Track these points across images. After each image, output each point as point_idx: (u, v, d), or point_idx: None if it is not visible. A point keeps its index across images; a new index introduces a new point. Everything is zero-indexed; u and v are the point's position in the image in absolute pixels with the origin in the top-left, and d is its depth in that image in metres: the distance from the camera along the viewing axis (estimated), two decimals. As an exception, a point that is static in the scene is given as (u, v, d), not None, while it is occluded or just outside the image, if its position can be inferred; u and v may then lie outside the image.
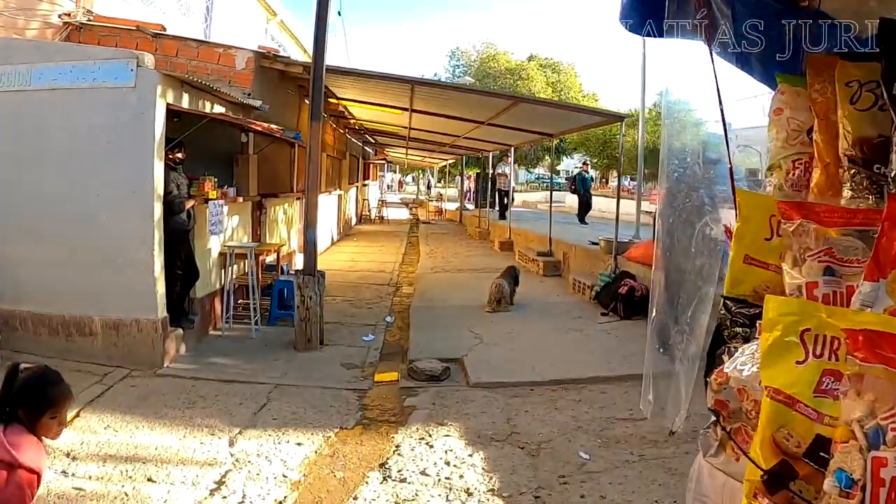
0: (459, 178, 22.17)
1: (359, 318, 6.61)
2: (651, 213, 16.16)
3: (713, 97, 1.60)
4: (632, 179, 35.82)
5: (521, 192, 28.63)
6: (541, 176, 42.66)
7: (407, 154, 20.92)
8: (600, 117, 7.00)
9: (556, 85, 28.78)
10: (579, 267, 8.54)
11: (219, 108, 6.02)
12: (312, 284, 5.19)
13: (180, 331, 5.17)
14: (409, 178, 60.26)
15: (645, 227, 12.48)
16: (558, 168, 48.87)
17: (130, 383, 4.54)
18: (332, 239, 13.04)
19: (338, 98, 9.29)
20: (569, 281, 8.24)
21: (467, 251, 12.30)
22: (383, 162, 25.89)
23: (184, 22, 11.89)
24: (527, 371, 4.76)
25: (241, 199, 6.33)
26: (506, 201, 14.82)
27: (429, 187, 35.81)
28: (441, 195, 27.59)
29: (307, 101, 9.75)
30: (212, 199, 5.45)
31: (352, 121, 12.80)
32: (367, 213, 20.12)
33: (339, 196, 14.42)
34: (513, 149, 12.69)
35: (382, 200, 20.52)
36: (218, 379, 4.59)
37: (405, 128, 11.95)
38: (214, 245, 5.94)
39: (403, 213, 25.07)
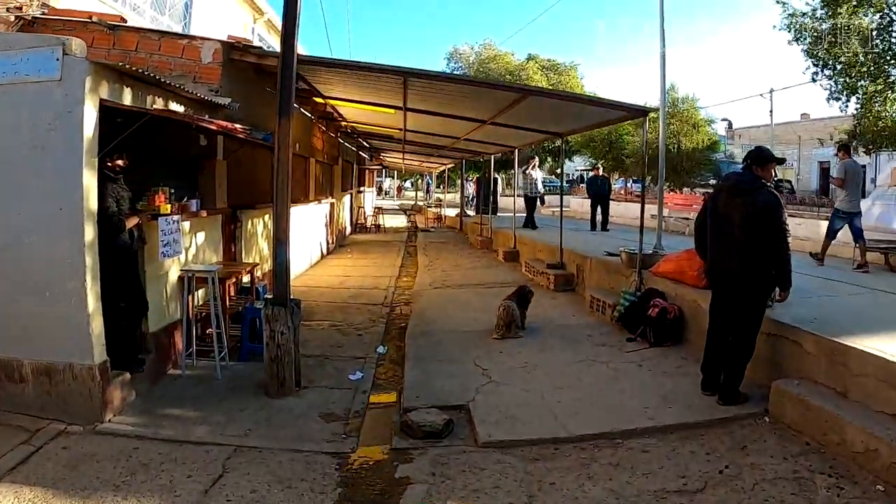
0: (460, 182, 21.32)
1: (347, 348, 5.74)
2: (665, 217, 15.33)
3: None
4: (635, 182, 34.99)
5: (519, 195, 27.94)
6: (544, 179, 41.91)
7: (404, 158, 20.09)
8: (621, 111, 6.14)
9: (558, 86, 28.00)
10: (596, 282, 7.67)
11: (176, 106, 5.19)
12: (284, 316, 4.33)
13: (127, 375, 4.33)
14: (408, 184, 59.50)
15: (671, 235, 11.67)
16: (557, 171, 48.26)
17: (63, 443, 3.71)
18: (324, 252, 12.19)
19: (324, 97, 8.46)
20: (585, 298, 7.36)
21: (469, 262, 11.43)
22: (379, 167, 25.06)
23: (160, 21, 11.12)
24: (548, 421, 3.89)
25: (205, 213, 5.47)
26: (536, 207, 13.42)
27: (428, 192, 34.96)
28: (441, 200, 26.78)
29: (290, 102, 8.97)
30: (164, 215, 4.59)
31: (343, 123, 11.97)
32: (363, 222, 19.28)
33: (332, 204, 13.57)
34: (516, 151, 11.85)
35: (378, 208, 19.67)
36: (167, 439, 3.74)
37: (400, 130, 11.11)
38: (173, 268, 5.08)
39: (402, 220, 24.24)
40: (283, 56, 4.31)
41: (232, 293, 6.10)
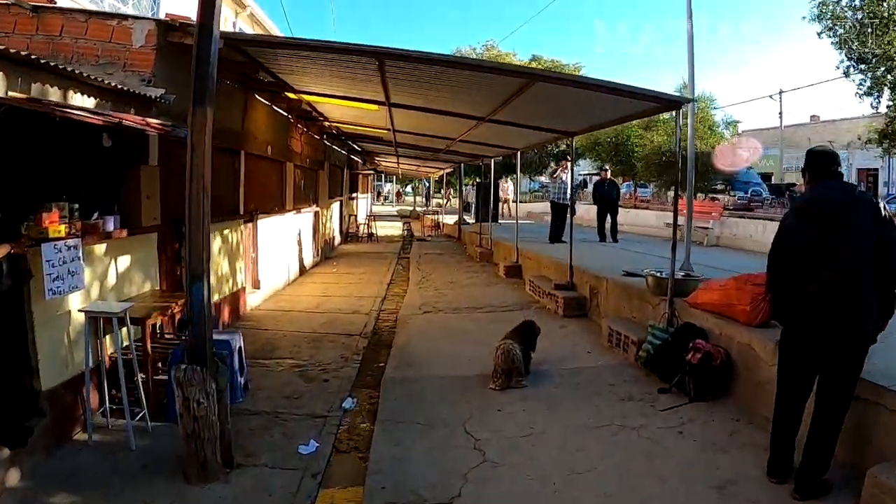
0: (458, 187, 20.19)
1: (306, 400, 4.60)
2: (679, 226, 14.18)
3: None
4: (639, 187, 33.80)
5: (522, 202, 26.58)
6: (546, 185, 40.76)
7: (398, 163, 18.99)
8: (648, 102, 4.99)
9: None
10: (614, 308, 6.53)
11: (78, 98, 4.08)
12: (202, 380, 3.19)
13: (6, 451, 3.23)
14: (408, 189, 58.46)
15: (704, 251, 10.63)
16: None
17: None
18: (305, 266, 11.06)
19: (296, 91, 7.35)
20: (601, 329, 6.22)
21: (466, 278, 10.30)
22: (372, 172, 23.95)
23: (124, 12, 10.12)
24: (565, 536, 2.75)
25: (124, 233, 4.34)
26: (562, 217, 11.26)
27: (427, 198, 33.74)
28: (440, 206, 25.67)
29: (257, 95, 7.85)
30: (52, 240, 3.47)
31: (326, 124, 10.86)
32: (355, 231, 18.17)
33: (316, 213, 12.46)
34: (518, 154, 10.72)
35: (371, 216, 18.54)
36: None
37: (388, 130, 10.01)
38: (77, 306, 3.96)
39: (399, 227, 23.14)
40: (200, 20, 3.18)
41: (167, 331, 4.98)
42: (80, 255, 3.82)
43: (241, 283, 7.32)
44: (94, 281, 4.20)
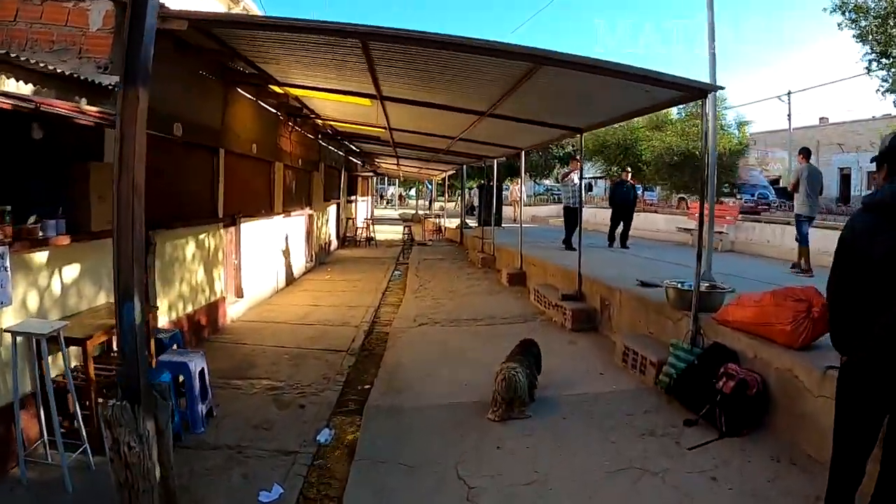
0: (461, 189, 19.64)
1: (277, 431, 4.04)
2: (691, 230, 13.53)
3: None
4: (647, 190, 33.05)
5: (527, 205, 25.86)
6: (550, 188, 40.13)
7: (398, 164, 18.46)
8: (672, 91, 4.41)
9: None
10: (629, 322, 5.94)
11: (12, 85, 3.55)
12: (134, 420, 2.63)
13: None
14: (411, 192, 57.98)
15: (720, 257, 10.14)
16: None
17: None
18: (295, 273, 10.52)
19: (281, 84, 6.82)
20: (614, 345, 5.63)
21: (466, 286, 9.72)
22: (372, 174, 23.43)
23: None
24: None
25: (66, 240, 3.80)
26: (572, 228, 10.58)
27: (431, 202, 33.04)
28: (443, 209, 25.12)
29: (240, 90, 7.31)
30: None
31: (319, 122, 10.34)
32: (354, 235, 17.63)
33: (309, 217, 11.92)
34: (523, 154, 10.16)
35: (369, 220, 17.99)
36: None
37: (384, 129, 9.46)
38: (5, 325, 3.41)
39: (400, 231, 22.59)
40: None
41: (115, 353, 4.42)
42: (8, 264, 3.29)
43: (220, 292, 6.77)
44: (31, 295, 3.66)
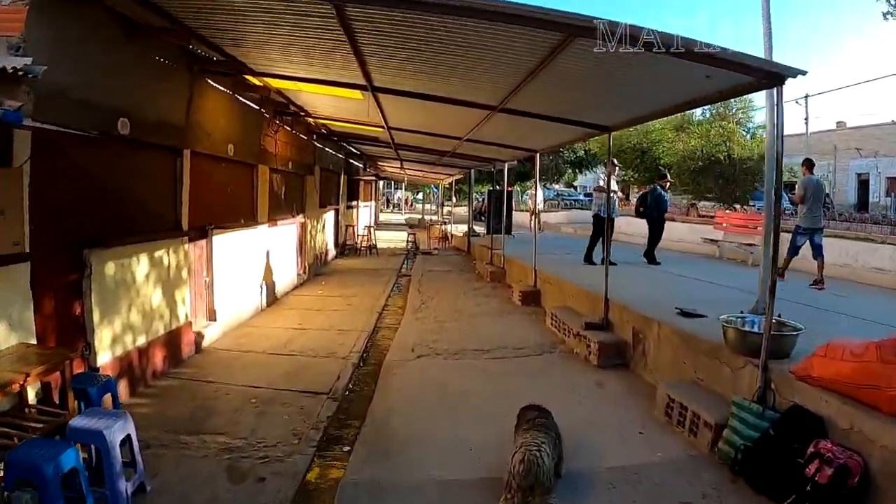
0: (468, 195, 18.70)
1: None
2: (718, 241, 12.44)
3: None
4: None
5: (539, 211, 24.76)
6: (561, 192, 39.10)
7: (402, 167, 17.55)
8: (741, 75, 3.42)
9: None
10: (670, 363, 4.96)
11: None
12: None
13: None
14: (418, 196, 57.15)
15: (728, 264, 9.25)
16: (575, 183, 45.16)
17: None
18: (284, 289, 9.61)
19: (256, 73, 5.92)
20: (654, 393, 4.63)
21: (474, 304, 8.75)
22: (374, 178, 22.53)
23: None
24: None
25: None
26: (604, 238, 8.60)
27: (441, 206, 31.92)
28: (450, 213, 24.19)
29: (211, 81, 6.38)
30: None
31: (310, 120, 9.45)
32: (355, 242, 16.73)
33: (302, 225, 11.02)
34: (538, 157, 9.19)
35: (370, 227, 17.07)
36: None
37: (382, 128, 8.55)
38: None
39: (405, 238, 21.67)
40: None
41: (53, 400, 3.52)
42: None
43: (184, 316, 5.86)
44: None
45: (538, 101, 5.25)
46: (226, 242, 6.98)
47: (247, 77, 6.20)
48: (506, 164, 11.26)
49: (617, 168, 9.34)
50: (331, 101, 7.29)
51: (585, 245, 9.50)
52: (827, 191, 26.55)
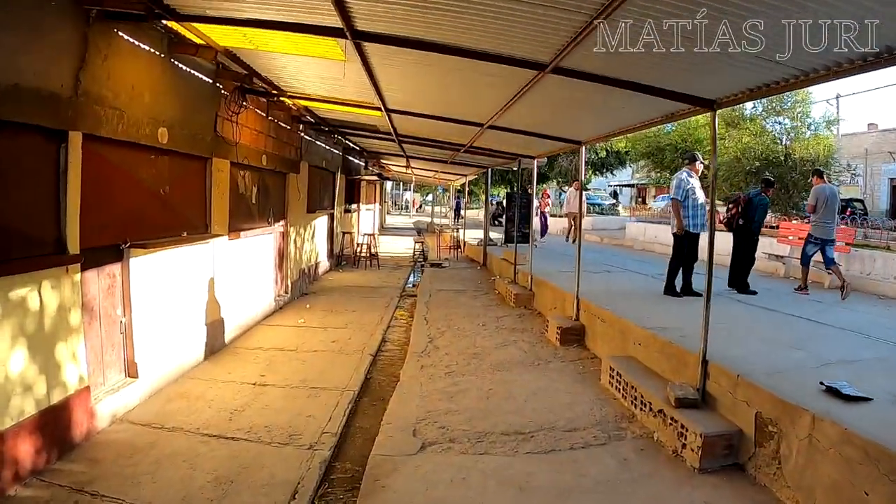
0: (484, 198, 16.77)
1: None
2: (783, 258, 10.32)
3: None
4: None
5: (553, 216, 22.44)
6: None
7: (409, 165, 15.68)
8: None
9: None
10: (830, 485, 3.01)
11: None
12: None
13: None
14: (429, 197, 55.49)
15: (791, 283, 7.61)
16: (589, 186, 42.92)
17: None
18: (255, 317, 7.76)
19: (181, 18, 4.07)
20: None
21: (498, 344, 6.84)
22: (377, 178, 20.66)
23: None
24: None
25: None
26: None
27: (458, 212, 29.74)
28: (462, 216, 22.34)
29: (120, 32, 4.40)
30: None
31: (286, 100, 7.59)
32: (354, 252, 14.88)
33: (282, 235, 9.18)
34: (582, 148, 7.22)
35: (371, 235, 15.17)
36: None
37: (379, 111, 6.69)
38: None
39: (410, 244, 19.82)
40: None
41: None
42: None
43: (75, 381, 4.00)
44: None
45: (610, 61, 3.35)
46: (155, 265, 5.12)
47: (181, 31, 4.35)
48: (535, 162, 9.34)
49: (701, 167, 7.24)
50: (302, 67, 5.44)
51: (623, 260, 7.60)
52: (860, 196, 24.91)
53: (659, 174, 20.92)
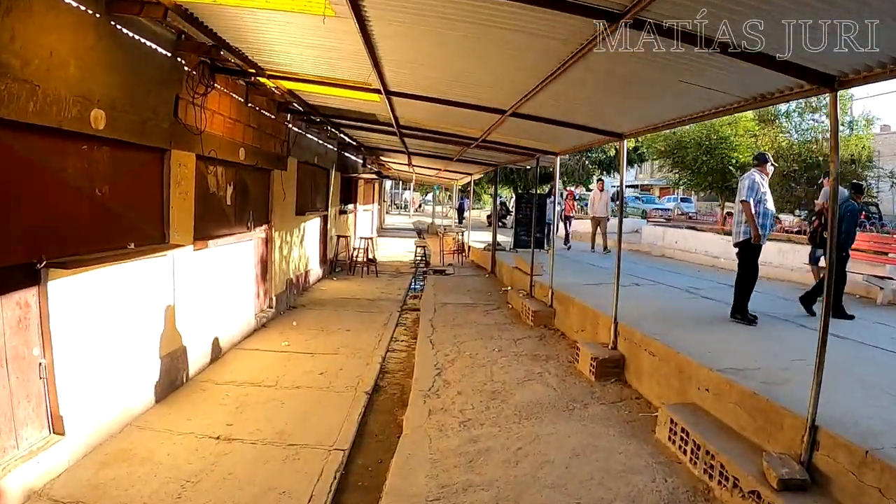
0: (495, 199, 15.72)
1: None
2: (883, 279, 8.82)
3: None
4: (683, 200, 27.56)
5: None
6: (584, 196, 35.95)
7: (410, 162, 14.62)
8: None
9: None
10: None
11: None
12: None
13: None
14: (428, 197, 54.51)
15: (857, 303, 6.63)
16: (591, 187, 41.68)
17: None
18: (215, 351, 6.72)
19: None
20: None
21: (521, 380, 5.79)
22: (376, 177, 19.60)
23: None
24: None
25: None
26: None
27: (461, 213, 28.39)
28: (466, 218, 21.29)
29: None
30: None
31: (264, 81, 6.56)
32: (350, 257, 13.82)
33: (264, 241, 8.14)
34: (624, 142, 6.15)
35: (368, 239, 14.08)
36: None
37: (378, 93, 5.65)
38: None
39: (411, 246, 18.78)
40: None
41: None
42: None
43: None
44: None
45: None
46: (87, 288, 4.07)
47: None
48: (557, 159, 8.28)
49: (772, 169, 6.18)
50: (282, 35, 4.39)
51: (646, 269, 6.56)
52: (874, 200, 23.87)
53: (678, 174, 19.82)
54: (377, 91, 5.41)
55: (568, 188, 16.61)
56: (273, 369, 6.07)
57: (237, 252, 7.07)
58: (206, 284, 6.11)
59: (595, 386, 5.54)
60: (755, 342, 5.27)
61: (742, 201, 5.96)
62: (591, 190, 20.05)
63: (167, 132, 5.03)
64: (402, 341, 7.75)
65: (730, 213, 17.58)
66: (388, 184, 47.72)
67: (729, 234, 15.07)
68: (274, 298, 8.51)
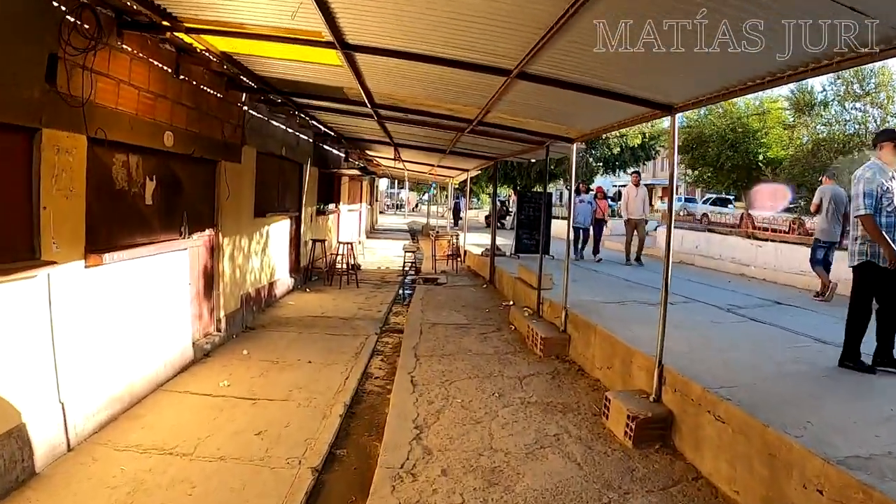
0: (494, 197, 14.27)
1: None
2: None
3: None
4: (715, 202, 25.82)
5: (559, 217, 19.55)
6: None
7: (398, 157, 13.16)
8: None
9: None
10: None
11: None
12: None
13: None
14: (425, 196, 53.23)
15: None
16: (592, 186, 40.17)
17: None
18: (115, 396, 5.27)
19: None
20: None
21: (529, 443, 4.38)
22: (360, 174, 18.13)
23: None
24: None
25: None
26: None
27: (457, 214, 26.80)
28: (462, 219, 19.85)
29: None
30: None
31: (200, 37, 5.11)
32: (329, 264, 12.39)
33: (208, 250, 6.71)
34: (675, 121, 4.75)
35: (350, 244, 12.55)
36: None
37: (332, 46, 4.20)
38: None
39: (401, 248, 17.36)
40: None
41: None
42: None
43: None
44: None
45: None
46: None
47: None
48: (574, 147, 6.83)
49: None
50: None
51: (675, 282, 5.23)
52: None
53: (698, 172, 18.42)
54: (330, 45, 3.97)
55: (596, 186, 15.08)
56: (197, 425, 4.62)
57: (164, 265, 5.61)
58: (113, 311, 4.66)
59: (634, 457, 4.10)
60: (877, 406, 3.81)
61: (863, 216, 4.41)
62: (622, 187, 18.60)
63: (36, 105, 3.59)
64: (377, 378, 6.30)
65: (751, 215, 16.26)
66: (383, 183, 46.39)
67: (755, 238, 13.70)
68: (223, 319, 7.06)
